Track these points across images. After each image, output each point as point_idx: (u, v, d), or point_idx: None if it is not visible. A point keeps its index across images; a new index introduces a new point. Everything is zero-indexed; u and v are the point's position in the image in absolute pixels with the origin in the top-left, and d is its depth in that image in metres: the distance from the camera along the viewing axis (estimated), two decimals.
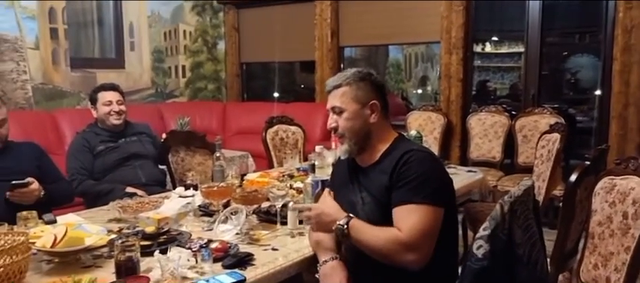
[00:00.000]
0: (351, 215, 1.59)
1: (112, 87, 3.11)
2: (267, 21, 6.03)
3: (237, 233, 1.92)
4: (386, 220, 1.55)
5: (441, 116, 4.80)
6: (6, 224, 1.80)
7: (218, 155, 2.63)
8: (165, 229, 1.92)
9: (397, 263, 1.51)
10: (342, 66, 5.70)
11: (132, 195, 2.58)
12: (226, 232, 1.92)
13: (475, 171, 3.21)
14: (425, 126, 4.81)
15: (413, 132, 3.33)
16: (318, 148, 2.21)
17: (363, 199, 1.66)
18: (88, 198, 2.93)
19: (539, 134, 3.46)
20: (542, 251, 1.47)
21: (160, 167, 3.27)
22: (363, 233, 1.55)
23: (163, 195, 2.52)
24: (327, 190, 1.81)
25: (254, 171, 4.03)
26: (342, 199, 1.74)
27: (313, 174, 2.02)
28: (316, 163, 2.12)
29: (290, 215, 1.99)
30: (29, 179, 2.33)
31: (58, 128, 4.56)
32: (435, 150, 4.73)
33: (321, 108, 5.48)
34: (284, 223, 2.02)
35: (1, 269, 1.38)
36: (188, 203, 2.20)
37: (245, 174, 2.83)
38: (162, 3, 5.74)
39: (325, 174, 2.15)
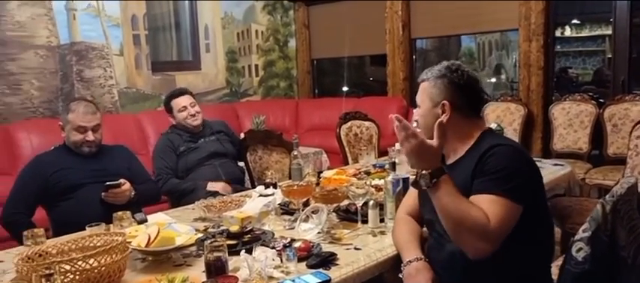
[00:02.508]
0: (446, 170, 1.49)
1: (182, 92, 3.23)
2: (337, 16, 6.02)
3: (318, 232, 1.93)
4: None
5: (520, 106, 4.60)
6: (103, 224, 1.92)
7: (295, 153, 2.65)
8: (249, 228, 1.96)
9: (464, 242, 1.44)
10: (414, 58, 5.61)
11: (214, 194, 2.66)
12: (308, 231, 1.94)
13: (562, 165, 3.04)
14: (503, 118, 4.63)
15: (493, 125, 3.21)
16: (397, 145, 2.17)
17: None
18: (173, 197, 3.06)
19: (632, 123, 3.24)
20: None
21: (239, 164, 3.36)
22: (452, 197, 1.44)
23: (244, 193, 2.58)
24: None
25: (328, 168, 4.05)
26: (426, 200, 1.65)
27: (394, 172, 1.98)
28: (396, 160, 2.09)
29: (371, 213, 1.97)
30: (121, 180, 2.47)
31: (142, 129, 4.79)
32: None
33: (393, 102, 5.42)
34: (365, 222, 2.01)
35: (103, 268, 1.47)
36: (270, 201, 2.24)
37: (321, 172, 2.84)
38: (235, 4, 5.89)
39: (405, 170, 2.11)
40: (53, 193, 2.47)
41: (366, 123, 3.95)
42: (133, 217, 2.15)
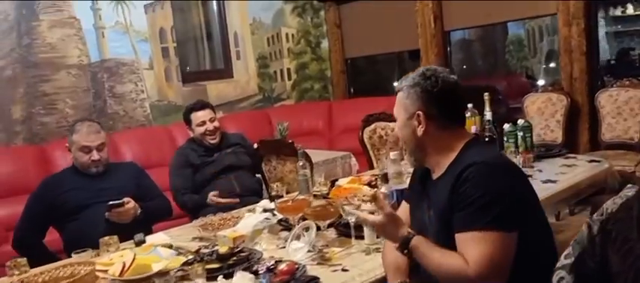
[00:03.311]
0: (412, 233, 1.41)
1: (203, 106, 3.15)
2: (369, 13, 5.84)
3: (309, 251, 1.82)
4: (453, 242, 1.34)
5: (562, 96, 4.26)
6: (90, 250, 1.89)
7: (301, 163, 2.53)
8: (239, 248, 1.88)
9: None
10: (448, 50, 5.35)
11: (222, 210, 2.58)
12: (298, 250, 1.83)
13: (599, 161, 2.76)
14: (545, 109, 4.31)
15: (520, 121, 2.98)
16: (392, 155, 2.01)
17: (430, 218, 1.47)
18: (188, 210, 3.03)
19: None
20: None
21: (257, 176, 3.29)
22: (425, 256, 1.38)
23: (249, 207, 2.50)
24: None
25: (357, 172, 3.91)
26: (414, 217, 1.58)
27: (386, 184, 1.84)
28: (390, 172, 1.93)
29: (366, 229, 1.84)
30: (125, 199, 2.45)
31: (173, 140, 4.81)
32: (558, 134, 4.24)
33: None
34: (360, 237, 1.88)
35: None
36: (266, 218, 2.14)
37: (336, 180, 2.72)
38: (263, 9, 5.83)
39: (403, 183, 1.96)
40: (61, 214, 2.49)
41: (392, 125, 3.75)
42: (132, 238, 2.13)
